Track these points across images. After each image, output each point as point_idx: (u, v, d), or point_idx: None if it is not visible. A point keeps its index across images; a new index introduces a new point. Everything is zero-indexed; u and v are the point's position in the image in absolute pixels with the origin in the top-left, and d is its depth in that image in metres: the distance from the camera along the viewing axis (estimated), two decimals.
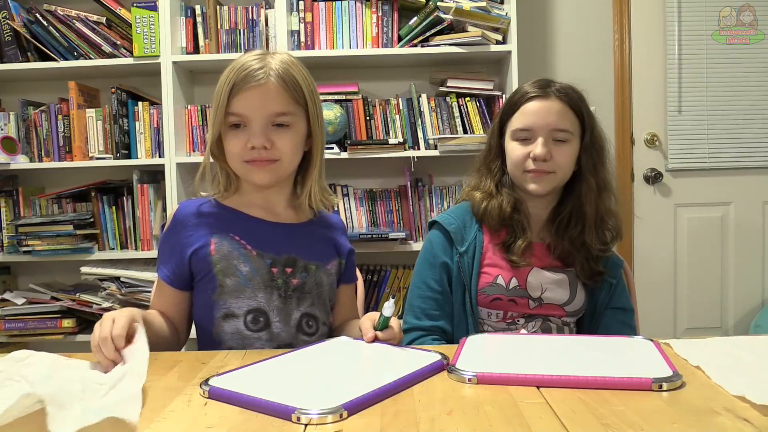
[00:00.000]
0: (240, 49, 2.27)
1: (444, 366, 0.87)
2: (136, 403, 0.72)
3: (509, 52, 2.22)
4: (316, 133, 1.14)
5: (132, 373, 0.79)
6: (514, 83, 2.19)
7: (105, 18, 2.27)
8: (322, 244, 1.18)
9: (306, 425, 0.67)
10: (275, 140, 1.06)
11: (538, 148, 1.18)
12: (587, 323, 1.28)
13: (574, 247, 1.23)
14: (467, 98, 2.29)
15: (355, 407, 0.70)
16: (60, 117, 2.27)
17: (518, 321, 1.21)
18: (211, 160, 1.13)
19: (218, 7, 2.26)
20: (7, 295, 2.25)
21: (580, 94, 1.23)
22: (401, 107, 2.30)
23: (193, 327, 1.17)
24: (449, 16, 2.18)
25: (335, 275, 1.19)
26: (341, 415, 0.68)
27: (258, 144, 1.04)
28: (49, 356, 0.91)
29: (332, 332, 1.21)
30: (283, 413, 0.69)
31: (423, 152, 2.26)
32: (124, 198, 2.30)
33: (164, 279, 1.12)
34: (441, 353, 0.92)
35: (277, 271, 1.10)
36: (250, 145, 1.04)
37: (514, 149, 1.22)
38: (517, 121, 1.22)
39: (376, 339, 0.98)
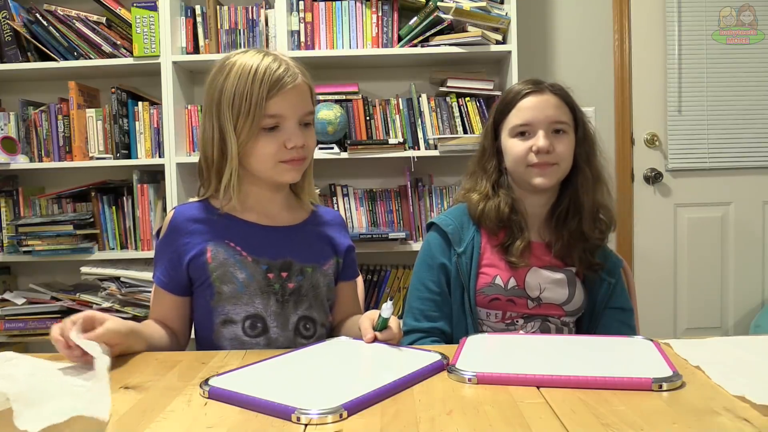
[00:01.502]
0: (240, 49, 2.26)
1: (444, 366, 0.88)
2: (104, 402, 0.72)
3: (509, 52, 2.22)
4: (315, 130, 1.16)
5: (98, 375, 0.79)
6: (514, 83, 2.19)
7: (105, 18, 2.27)
8: (318, 245, 1.17)
9: (306, 425, 0.67)
10: (306, 137, 1.07)
11: (540, 140, 1.18)
12: (586, 323, 1.28)
13: (572, 239, 1.23)
14: (467, 98, 2.29)
15: (355, 407, 0.70)
16: (60, 117, 2.27)
17: (517, 321, 1.21)
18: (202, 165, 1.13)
19: (218, 7, 2.26)
20: (7, 295, 2.26)
21: (568, 91, 1.26)
22: (401, 107, 2.30)
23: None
24: (449, 16, 2.18)
25: (332, 275, 1.19)
26: (341, 415, 0.68)
27: (299, 143, 1.05)
28: (31, 358, 0.91)
29: (333, 330, 1.21)
30: (283, 413, 0.69)
31: (423, 152, 2.26)
32: (124, 198, 2.30)
33: (161, 285, 1.12)
34: (441, 353, 0.92)
35: (273, 276, 1.09)
36: (291, 144, 1.04)
37: (514, 146, 1.22)
38: (515, 118, 1.22)
39: (375, 339, 0.98)
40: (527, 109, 1.21)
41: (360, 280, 1.46)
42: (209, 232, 1.10)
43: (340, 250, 1.21)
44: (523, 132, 1.21)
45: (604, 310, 1.27)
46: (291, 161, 1.06)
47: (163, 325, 1.11)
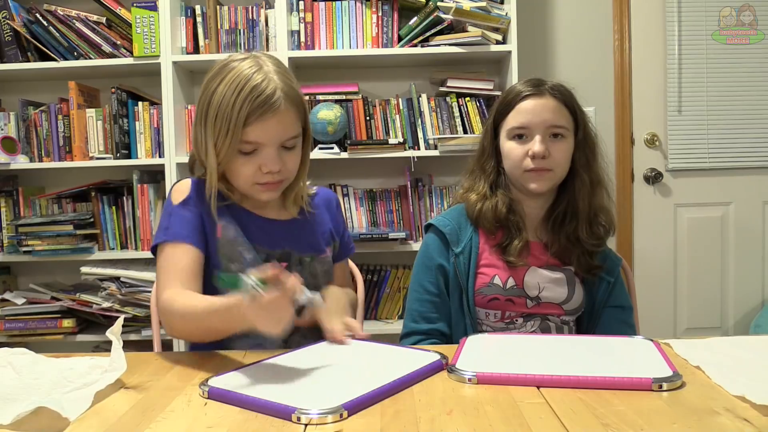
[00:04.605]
0: (240, 49, 2.27)
1: (443, 365, 0.88)
2: (80, 405, 0.73)
3: (509, 52, 2.22)
4: (309, 135, 1.14)
5: (101, 381, 0.80)
6: (514, 83, 2.18)
7: (105, 18, 2.26)
8: (314, 236, 1.19)
9: (306, 425, 0.67)
10: (285, 161, 1.07)
11: (536, 145, 1.18)
12: (586, 322, 1.28)
13: (569, 242, 1.23)
14: (467, 98, 2.29)
15: (355, 407, 0.71)
16: (60, 117, 2.27)
17: (516, 320, 1.21)
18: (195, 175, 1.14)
19: (218, 7, 2.26)
20: (7, 295, 2.25)
21: (571, 92, 1.24)
22: (401, 107, 2.30)
23: None
24: (449, 16, 2.17)
25: (331, 260, 1.21)
26: (341, 415, 0.69)
27: (275, 169, 1.05)
28: (35, 356, 0.92)
29: None
30: (283, 413, 0.69)
31: (423, 152, 2.26)
32: (124, 198, 2.30)
33: (182, 239, 1.04)
34: (440, 353, 0.92)
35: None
36: (266, 170, 1.04)
37: (512, 149, 1.22)
38: (512, 120, 1.22)
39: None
40: (525, 111, 1.20)
41: (360, 281, 1.46)
42: (220, 209, 1.10)
43: (337, 233, 1.23)
44: (520, 135, 1.21)
45: (603, 308, 1.27)
46: (266, 184, 1.07)
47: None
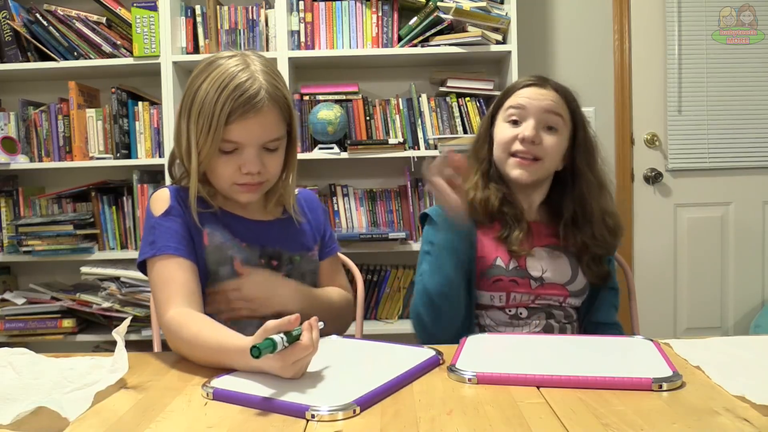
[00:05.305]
0: (240, 49, 2.27)
1: (439, 360, 0.89)
2: (80, 405, 0.73)
3: (509, 52, 2.22)
4: (294, 138, 1.13)
5: (101, 381, 0.80)
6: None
7: (105, 18, 2.27)
8: (301, 235, 1.18)
9: (307, 422, 0.67)
10: (266, 163, 1.05)
11: (528, 130, 1.17)
12: (588, 303, 1.27)
13: (584, 246, 1.22)
14: (467, 98, 2.29)
15: (365, 403, 0.72)
16: (60, 117, 2.27)
17: (521, 313, 1.20)
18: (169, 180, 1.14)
19: (218, 7, 2.26)
20: (7, 295, 2.25)
21: (573, 94, 1.25)
22: (401, 107, 2.30)
23: None
24: (449, 16, 2.18)
25: (318, 259, 1.20)
26: (354, 411, 0.69)
27: (254, 170, 1.03)
28: (35, 356, 0.92)
29: None
30: (297, 411, 0.69)
31: (423, 152, 2.26)
32: (124, 198, 2.30)
33: (176, 252, 1.02)
34: (435, 349, 0.94)
35: (264, 263, 1.10)
36: (245, 170, 1.03)
37: (503, 130, 1.22)
38: (510, 102, 1.23)
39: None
40: (524, 96, 1.21)
41: (360, 281, 1.46)
42: (203, 215, 1.08)
43: (320, 230, 1.22)
44: (515, 121, 1.21)
45: (604, 289, 1.26)
46: (246, 185, 1.06)
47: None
